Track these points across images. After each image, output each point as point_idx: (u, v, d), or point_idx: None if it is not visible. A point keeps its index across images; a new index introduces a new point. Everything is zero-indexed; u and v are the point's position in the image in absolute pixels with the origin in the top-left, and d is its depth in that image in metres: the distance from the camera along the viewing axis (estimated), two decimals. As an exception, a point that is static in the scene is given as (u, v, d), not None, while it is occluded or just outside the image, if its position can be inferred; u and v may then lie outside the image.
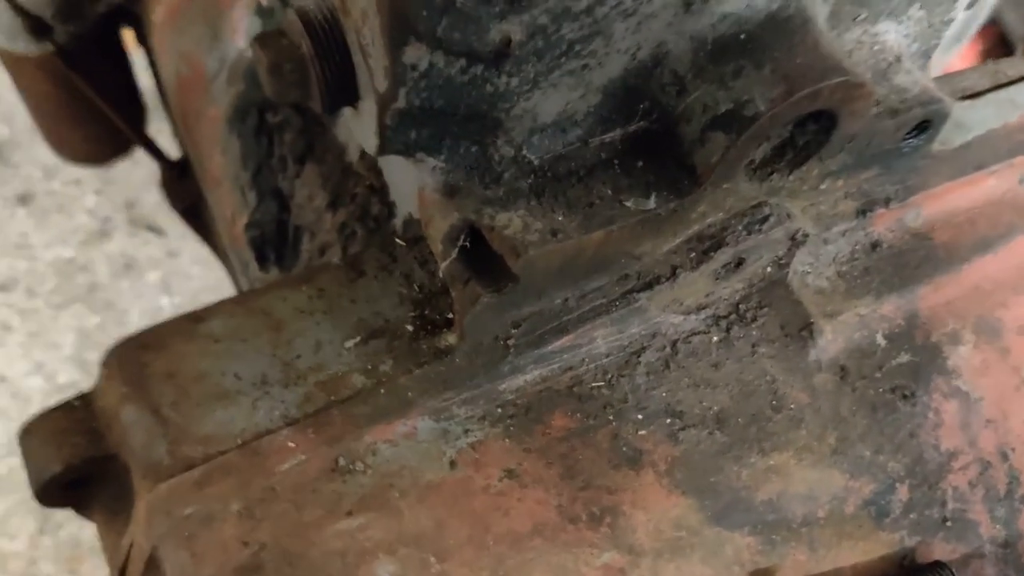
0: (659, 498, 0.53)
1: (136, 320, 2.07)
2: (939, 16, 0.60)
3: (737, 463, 0.54)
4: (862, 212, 0.59)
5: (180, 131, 1.11)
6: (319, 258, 0.85)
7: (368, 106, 0.48)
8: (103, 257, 2.19)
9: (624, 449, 0.54)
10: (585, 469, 0.53)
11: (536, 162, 0.52)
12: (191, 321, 0.56)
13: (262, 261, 0.89)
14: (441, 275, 0.53)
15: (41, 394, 2.01)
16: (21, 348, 2.07)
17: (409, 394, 0.54)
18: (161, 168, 1.23)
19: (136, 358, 0.55)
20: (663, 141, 0.53)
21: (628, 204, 0.52)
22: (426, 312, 0.57)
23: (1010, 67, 0.70)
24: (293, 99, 0.49)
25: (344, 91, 0.49)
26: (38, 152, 2.17)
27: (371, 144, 0.50)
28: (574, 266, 0.53)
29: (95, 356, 2.06)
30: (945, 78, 0.70)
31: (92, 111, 1.17)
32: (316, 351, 0.56)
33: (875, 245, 0.60)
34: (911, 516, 0.55)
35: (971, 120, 0.64)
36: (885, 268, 0.60)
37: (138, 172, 2.10)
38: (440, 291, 0.58)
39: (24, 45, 1.07)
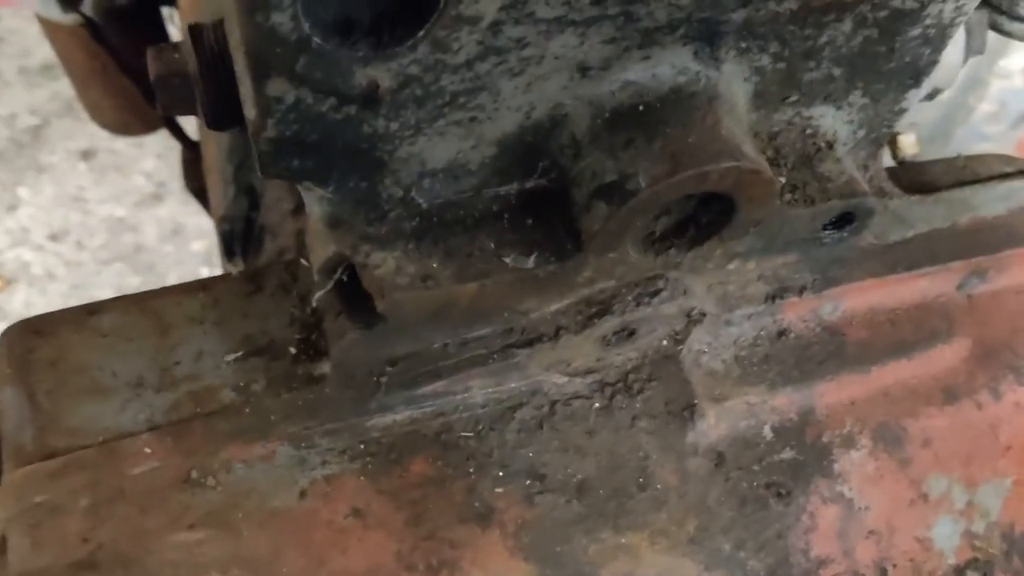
0: (501, 559, 0.52)
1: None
2: (887, 105, 0.58)
3: (588, 536, 0.53)
4: (771, 298, 0.58)
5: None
6: (277, 260, 0.86)
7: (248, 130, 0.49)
8: (153, 220, 2.26)
9: (476, 504, 0.53)
10: (433, 518, 0.53)
11: (424, 205, 0.52)
12: (85, 312, 0.58)
13: (229, 254, 0.91)
14: (314, 304, 0.53)
15: (72, 345, 2.07)
16: (62, 298, 2.14)
17: (273, 417, 0.54)
18: (182, 148, 1.26)
19: (26, 341, 0.57)
20: (556, 202, 0.52)
21: (507, 260, 0.51)
22: (312, 337, 0.57)
23: (981, 165, 0.67)
24: (180, 112, 0.50)
25: (230, 111, 0.49)
26: (105, 111, 2.25)
27: (256, 168, 0.50)
28: (449, 314, 0.52)
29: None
30: (904, 168, 0.68)
31: (121, 83, 1.20)
32: (196, 360, 0.56)
33: (781, 333, 0.58)
34: (764, 619, 0.53)
35: (915, 216, 0.62)
36: (787, 358, 0.58)
37: (195, 143, 2.16)
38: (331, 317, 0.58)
39: (55, 13, 1.10)
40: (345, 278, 0.52)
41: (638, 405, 0.56)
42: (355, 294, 0.52)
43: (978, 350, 0.59)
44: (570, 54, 0.47)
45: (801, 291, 0.58)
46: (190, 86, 0.48)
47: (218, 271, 2.26)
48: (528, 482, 0.54)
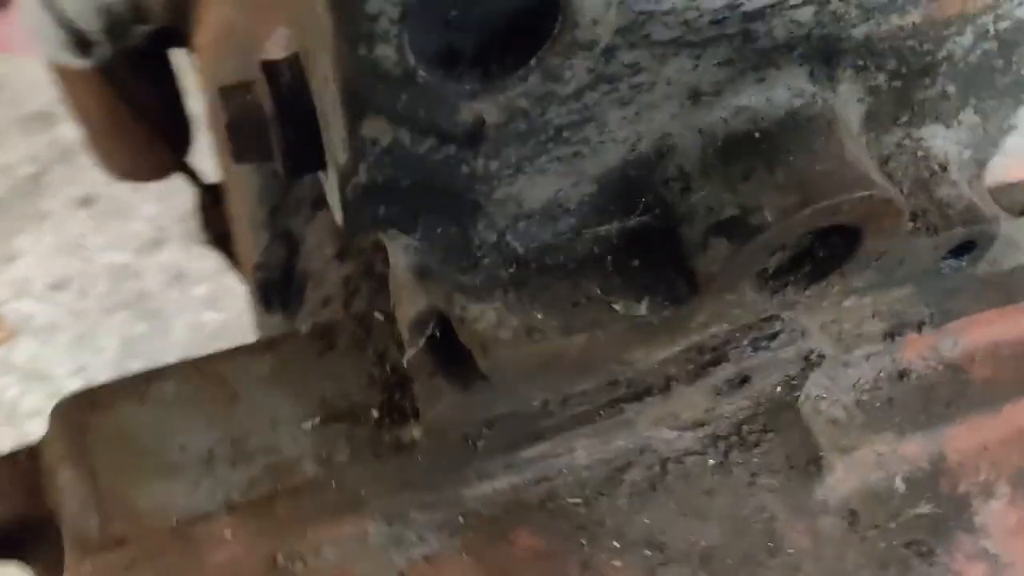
0: (622, 642, 0.47)
1: (180, 332, 2.08)
2: (996, 123, 0.54)
3: (717, 610, 0.48)
4: (890, 335, 0.53)
5: (219, 160, 1.09)
6: (321, 310, 0.81)
7: (332, 176, 0.44)
8: (155, 266, 2.21)
9: (591, 579, 0.48)
10: (546, 597, 0.48)
11: (520, 250, 0.47)
12: (144, 381, 0.53)
13: (267, 304, 0.86)
14: (405, 364, 0.48)
15: (79, 397, 2.02)
16: (67, 348, 2.08)
17: (362, 491, 0.49)
18: (196, 194, 1.21)
19: (82, 416, 0.52)
20: (663, 240, 0.47)
21: (617, 307, 0.46)
22: (395, 398, 0.52)
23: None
24: (253, 159, 0.45)
25: (309, 157, 0.44)
26: (104, 157, 2.21)
27: (338, 216, 0.45)
28: (554, 368, 0.47)
29: (135, 364, 2.06)
30: (1005, 188, 0.63)
31: (135, 129, 1.16)
32: (270, 429, 0.51)
33: (903, 374, 0.53)
34: None
35: (1028, 240, 0.58)
36: (912, 401, 0.53)
37: (197, 185, 2.12)
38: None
39: (69, 58, 1.06)
40: (437, 334, 0.47)
41: (756, 460, 0.52)
42: (449, 351, 0.47)
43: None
44: (683, 79, 0.43)
45: (920, 326, 0.53)
46: (265, 130, 0.44)
47: (223, 315, 2.20)
48: (648, 553, 0.49)
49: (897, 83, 0.48)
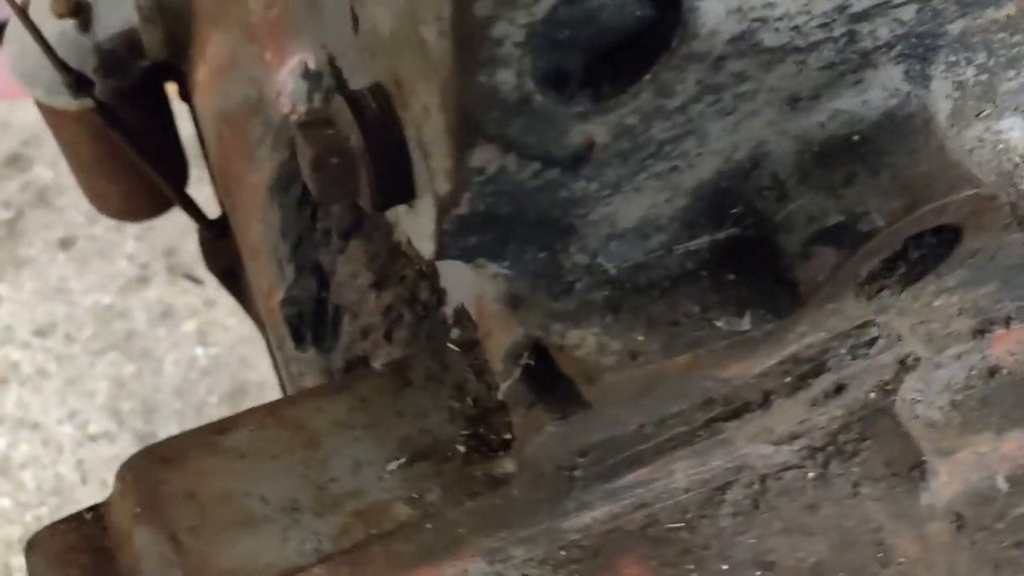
0: (747, 667, 0.46)
1: (171, 370, 2.04)
2: (1070, 111, 0.53)
3: (837, 629, 0.46)
4: (980, 333, 0.52)
5: (220, 192, 1.06)
6: (361, 341, 0.79)
7: (425, 207, 0.42)
8: (141, 304, 2.16)
9: (705, 606, 0.47)
10: (659, 629, 0.46)
11: (613, 272, 0.46)
12: (215, 432, 0.50)
13: (299, 340, 0.83)
14: (501, 396, 0.46)
15: (72, 442, 1.98)
16: (56, 394, 2.04)
17: (460, 530, 0.47)
18: (200, 228, 1.18)
19: (153, 473, 0.49)
20: (758, 251, 0.46)
21: (719, 324, 0.45)
22: (480, 431, 0.51)
23: None
24: (339, 197, 0.43)
25: (398, 189, 0.42)
26: (81, 197, 2.19)
27: (427, 248, 0.44)
28: (654, 392, 0.46)
29: (128, 406, 2.02)
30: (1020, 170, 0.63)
31: (131, 167, 1.13)
32: (355, 473, 0.49)
33: (993, 371, 0.52)
34: None
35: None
36: (1005, 398, 0.52)
37: (178, 220, 2.08)
38: (497, 407, 0.51)
39: (64, 100, 1.03)
40: (532, 363, 0.46)
41: (856, 469, 0.50)
42: (545, 380, 0.46)
43: None
44: (785, 85, 0.42)
45: (1008, 322, 0.52)
46: (352, 166, 0.42)
47: (214, 350, 2.16)
48: (758, 574, 0.48)
49: (984, 76, 0.47)
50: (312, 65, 0.84)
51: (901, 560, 0.48)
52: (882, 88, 0.44)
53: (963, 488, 0.50)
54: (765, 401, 0.48)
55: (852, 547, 0.48)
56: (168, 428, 1.85)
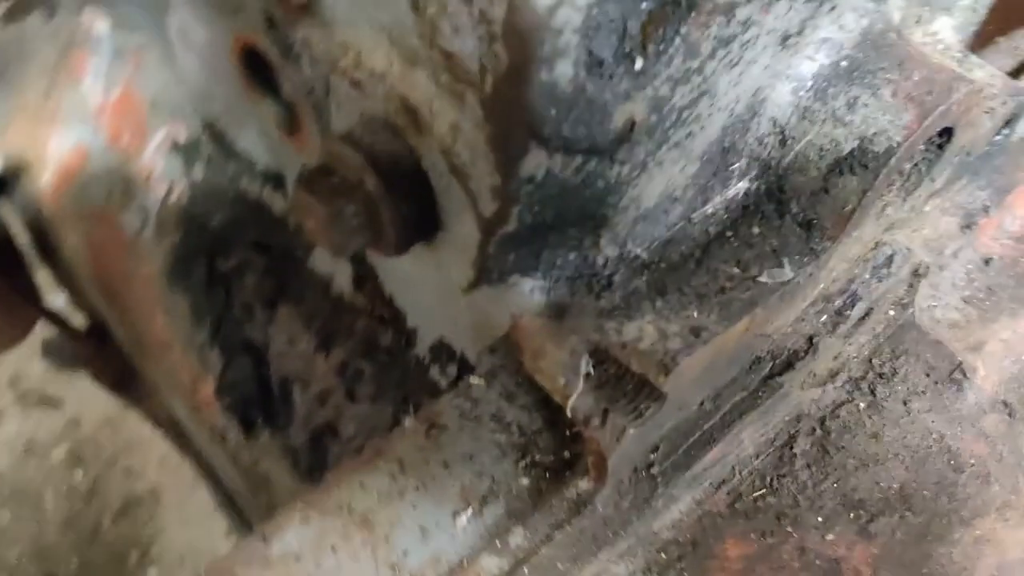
0: (876, 609, 0.45)
1: (51, 504, 1.88)
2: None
3: (943, 543, 0.46)
4: (966, 227, 0.53)
5: (94, 298, 0.97)
6: (320, 409, 0.74)
7: (456, 237, 0.39)
8: (0, 443, 1.98)
9: (818, 562, 0.45)
10: (783, 598, 0.45)
11: (644, 255, 0.44)
12: (259, 542, 0.45)
13: (248, 426, 0.77)
14: (569, 412, 0.43)
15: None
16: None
17: (559, 565, 0.44)
18: (76, 343, 1.08)
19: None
20: (770, 200, 0.45)
21: (763, 279, 0.44)
22: (536, 457, 0.48)
23: None
24: (355, 248, 0.39)
25: (423, 224, 0.39)
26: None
27: (463, 278, 0.40)
28: (716, 365, 0.44)
29: (15, 552, 1.84)
30: (989, 52, 0.66)
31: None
32: (425, 541, 0.45)
33: (987, 260, 0.54)
34: None
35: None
36: (1006, 282, 0.54)
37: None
38: (542, 427, 0.48)
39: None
40: (591, 371, 0.43)
41: (900, 387, 0.50)
42: (609, 383, 0.43)
43: None
44: (779, 25, 0.41)
45: (986, 210, 0.54)
46: (372, 212, 0.38)
47: (92, 471, 2.01)
48: (851, 515, 0.47)
49: None
50: (182, 137, 0.78)
51: (972, 462, 0.49)
52: (852, 10, 0.44)
53: (1000, 377, 0.51)
54: (810, 345, 0.48)
55: (925, 462, 0.48)
56: (68, 566, 1.70)
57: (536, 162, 0.35)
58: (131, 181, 0.82)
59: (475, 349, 0.55)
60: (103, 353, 1.06)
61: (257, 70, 0.61)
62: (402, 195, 0.38)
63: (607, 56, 0.33)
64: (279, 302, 0.74)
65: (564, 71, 0.31)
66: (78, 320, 1.09)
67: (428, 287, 0.57)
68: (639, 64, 0.35)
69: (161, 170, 0.80)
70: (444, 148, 0.36)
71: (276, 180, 0.71)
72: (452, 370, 0.64)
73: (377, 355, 0.69)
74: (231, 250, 0.75)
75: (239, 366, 0.76)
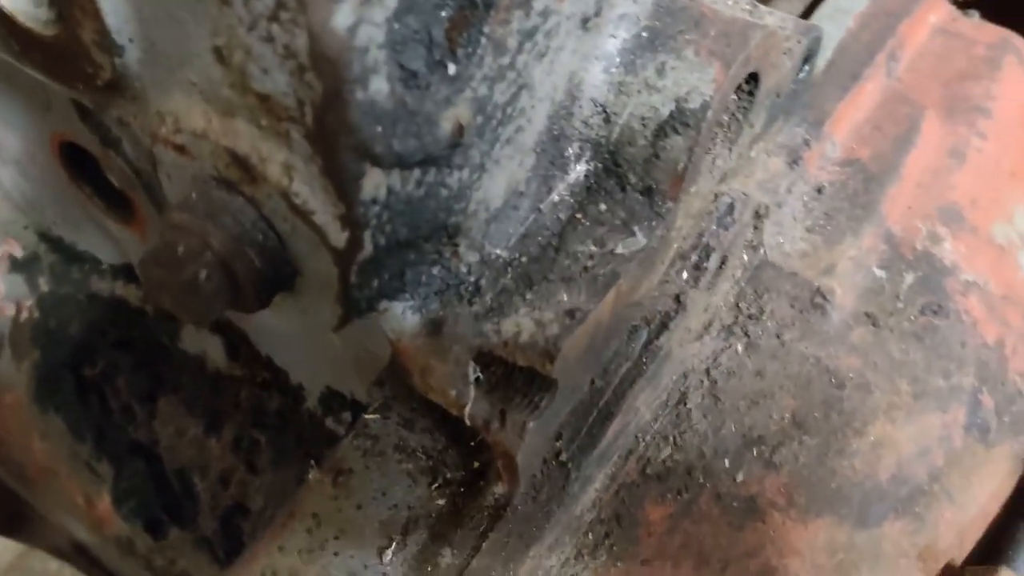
0: (800, 535, 0.47)
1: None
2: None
3: (843, 456, 0.49)
4: (792, 163, 0.57)
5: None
6: (224, 491, 0.72)
7: (317, 275, 0.39)
8: None
9: (736, 504, 0.47)
10: (712, 547, 0.46)
11: (505, 254, 0.45)
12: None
13: (155, 528, 0.74)
14: (468, 422, 0.44)
15: None
16: None
17: (493, 573, 0.44)
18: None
19: None
20: (609, 175, 0.47)
21: (621, 251, 0.46)
22: (447, 476, 0.48)
23: (802, -15, 0.71)
24: (218, 313, 0.39)
25: (280, 274, 0.39)
26: None
27: (331, 316, 0.41)
28: (594, 343, 0.46)
29: None
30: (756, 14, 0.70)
31: None
32: (358, 584, 0.45)
33: (819, 189, 0.57)
34: (1004, 420, 0.52)
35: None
36: (840, 204, 0.57)
37: None
38: (446, 446, 0.49)
39: None
40: (480, 376, 0.44)
41: (770, 323, 0.53)
42: (499, 386, 0.44)
43: (941, 112, 0.62)
44: (577, 9, 0.43)
45: (807, 144, 0.58)
46: (229, 270, 0.37)
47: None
48: (755, 452, 0.49)
49: None
50: (19, 253, 0.75)
51: (850, 375, 0.51)
52: (641, -18, 0.47)
53: (856, 292, 0.54)
54: (679, 303, 0.50)
55: (808, 387, 0.51)
56: None
57: (375, 182, 0.35)
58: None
59: (364, 388, 0.55)
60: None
61: (81, 165, 0.59)
62: (252, 248, 0.38)
63: (419, 67, 0.34)
64: (157, 395, 0.72)
65: (379, 87, 0.32)
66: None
67: (301, 337, 0.56)
68: (453, 69, 0.36)
69: (3, 292, 0.77)
70: (281, 190, 0.36)
71: (127, 272, 0.69)
72: (347, 416, 0.64)
73: (268, 421, 0.68)
74: (95, 355, 0.73)
75: (132, 470, 0.74)
